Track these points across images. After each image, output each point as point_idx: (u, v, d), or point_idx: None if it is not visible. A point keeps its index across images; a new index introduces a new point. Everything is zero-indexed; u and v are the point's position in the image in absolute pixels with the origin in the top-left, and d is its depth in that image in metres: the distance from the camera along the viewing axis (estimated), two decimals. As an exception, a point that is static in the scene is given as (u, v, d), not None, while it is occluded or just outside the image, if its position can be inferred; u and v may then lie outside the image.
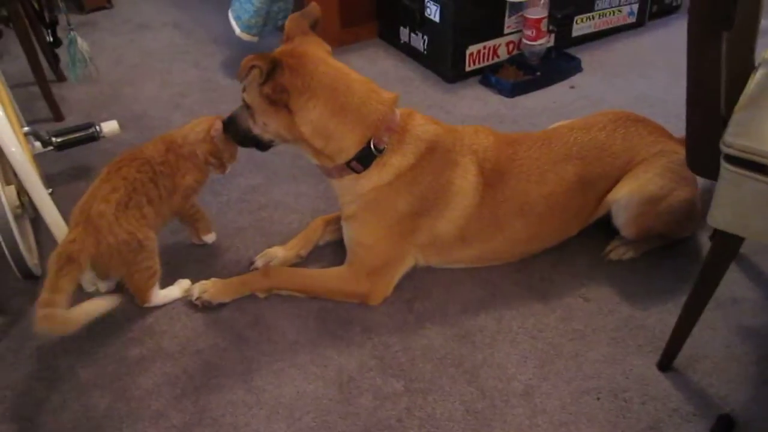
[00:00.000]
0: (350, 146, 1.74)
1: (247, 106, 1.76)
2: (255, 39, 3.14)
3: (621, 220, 1.93)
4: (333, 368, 1.72)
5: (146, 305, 1.88)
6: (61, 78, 3.11)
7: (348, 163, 1.76)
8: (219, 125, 1.88)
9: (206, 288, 1.89)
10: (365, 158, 1.75)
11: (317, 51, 1.74)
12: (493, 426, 1.57)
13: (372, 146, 1.74)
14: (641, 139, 1.93)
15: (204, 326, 1.85)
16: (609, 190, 1.92)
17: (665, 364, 1.68)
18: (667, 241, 2.02)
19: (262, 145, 1.86)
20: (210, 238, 2.10)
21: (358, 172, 1.78)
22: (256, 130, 1.79)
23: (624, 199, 1.89)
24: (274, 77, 1.64)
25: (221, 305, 1.89)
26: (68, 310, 1.60)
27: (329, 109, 1.70)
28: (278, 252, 2.03)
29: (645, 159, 1.90)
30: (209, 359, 1.75)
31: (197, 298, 1.88)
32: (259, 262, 2.02)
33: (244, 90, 1.75)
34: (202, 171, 1.94)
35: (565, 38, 3.17)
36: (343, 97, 1.71)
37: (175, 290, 1.92)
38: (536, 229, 1.93)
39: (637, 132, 1.94)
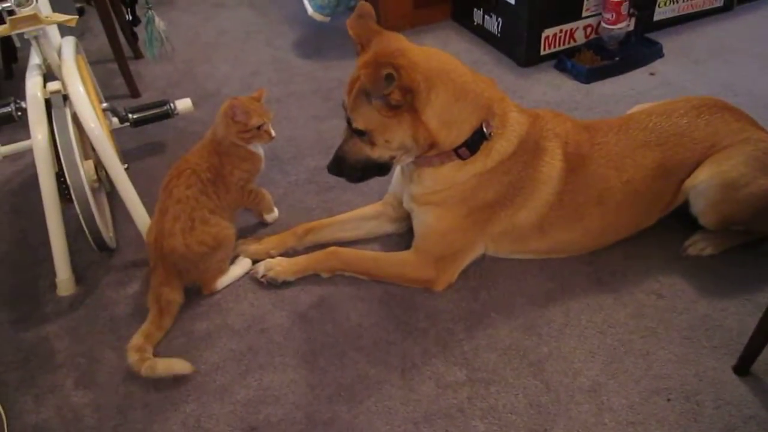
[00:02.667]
0: (467, 130, 1.69)
1: (359, 133, 1.68)
2: (327, 19, 3.15)
3: (699, 206, 1.85)
4: (396, 353, 1.71)
5: (211, 292, 1.91)
6: (138, 55, 3.19)
7: (456, 149, 1.71)
8: (230, 103, 1.85)
9: (272, 266, 1.90)
10: (475, 143, 1.71)
11: (407, 43, 1.67)
12: (557, 421, 1.53)
13: (484, 130, 1.70)
14: (726, 125, 1.85)
15: (270, 305, 1.87)
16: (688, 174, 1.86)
17: (742, 368, 1.60)
18: (749, 238, 1.93)
19: (384, 169, 1.78)
20: (272, 216, 2.12)
21: (464, 158, 1.73)
22: (376, 153, 1.71)
23: (703, 184, 1.81)
24: (398, 82, 1.54)
25: (286, 284, 1.91)
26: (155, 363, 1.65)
27: (450, 94, 1.64)
28: (249, 247, 2.00)
29: (729, 145, 1.82)
30: (274, 338, 1.77)
31: (263, 276, 1.89)
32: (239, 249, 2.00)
33: (349, 121, 1.68)
34: (249, 159, 1.92)
35: (646, 22, 3.05)
36: (457, 79, 1.65)
37: (237, 270, 1.95)
38: (613, 217, 1.87)
39: (723, 118, 1.86)
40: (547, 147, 1.78)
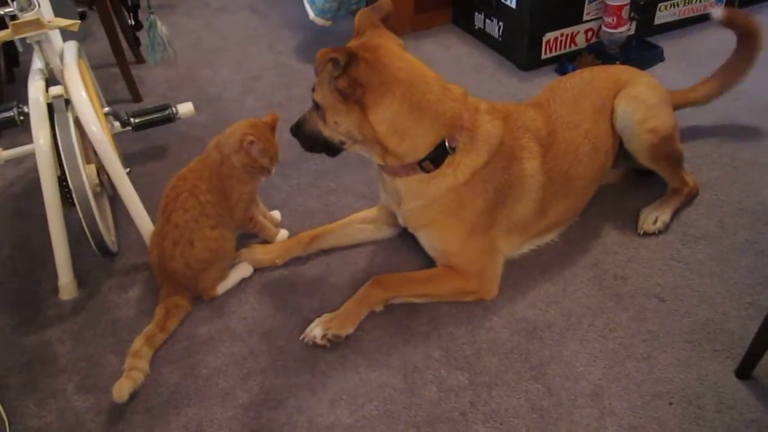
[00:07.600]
0: (425, 145, 1.68)
1: (317, 106, 1.70)
2: (329, 23, 3.15)
3: (627, 135, 2.02)
4: (398, 357, 1.71)
5: (211, 297, 1.91)
6: (140, 60, 3.20)
7: (419, 163, 1.71)
8: (250, 140, 1.80)
9: (328, 325, 1.75)
10: (438, 157, 1.70)
11: (391, 45, 1.68)
12: (559, 425, 1.53)
13: (447, 145, 1.69)
14: (619, 68, 2.20)
15: (272, 309, 1.87)
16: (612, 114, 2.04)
17: (744, 371, 1.60)
18: (684, 199, 2.10)
19: (332, 149, 1.78)
20: (280, 237, 2.08)
21: (428, 172, 1.72)
22: (327, 132, 1.73)
23: (622, 108, 2.00)
24: (349, 70, 1.56)
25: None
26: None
27: (406, 106, 1.62)
28: (253, 256, 2.00)
29: (629, 80, 2.07)
30: (276, 342, 1.77)
31: (323, 337, 1.74)
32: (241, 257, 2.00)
33: (314, 90, 1.69)
34: (248, 181, 1.89)
35: (646, 26, 3.05)
36: (420, 93, 1.63)
37: (236, 275, 1.95)
38: (591, 168, 1.97)
39: (610, 67, 2.30)
40: (524, 144, 1.82)
